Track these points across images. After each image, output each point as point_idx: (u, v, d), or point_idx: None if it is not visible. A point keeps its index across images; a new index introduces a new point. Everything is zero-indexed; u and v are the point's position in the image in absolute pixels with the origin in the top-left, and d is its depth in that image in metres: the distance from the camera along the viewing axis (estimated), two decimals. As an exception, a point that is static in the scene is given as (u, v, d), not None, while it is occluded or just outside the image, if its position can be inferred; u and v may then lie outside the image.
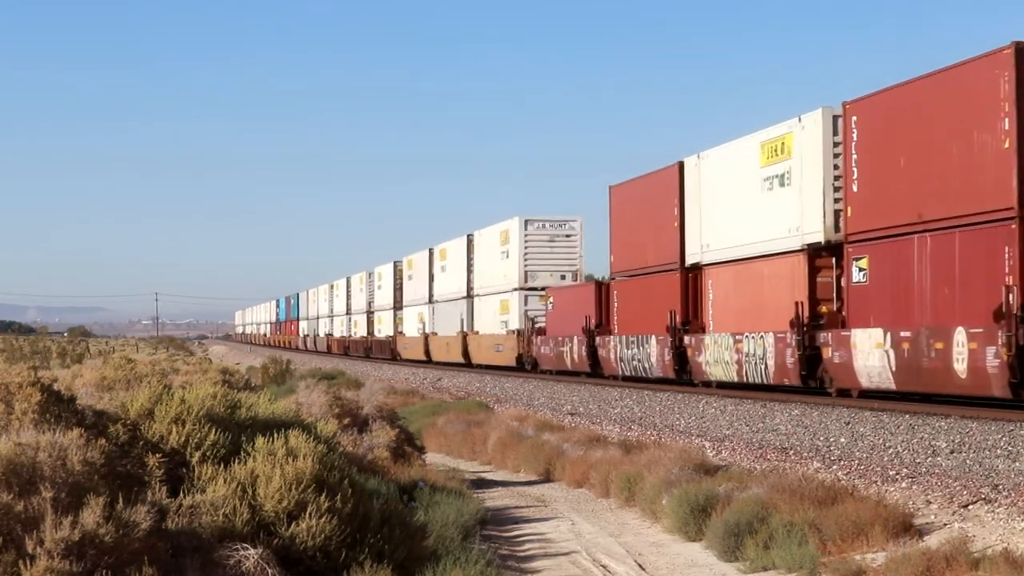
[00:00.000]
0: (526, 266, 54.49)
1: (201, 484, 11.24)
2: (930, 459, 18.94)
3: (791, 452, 21.50)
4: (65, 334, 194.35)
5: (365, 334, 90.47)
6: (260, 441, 11.88)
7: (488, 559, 13.44)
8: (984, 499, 15.29)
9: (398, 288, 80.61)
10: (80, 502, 9.29)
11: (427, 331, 70.29)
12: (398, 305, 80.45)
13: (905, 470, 18.18)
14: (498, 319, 57.04)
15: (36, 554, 8.89)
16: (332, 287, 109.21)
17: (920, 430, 22.04)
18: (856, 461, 19.71)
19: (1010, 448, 18.86)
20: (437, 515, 15.67)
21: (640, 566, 15.15)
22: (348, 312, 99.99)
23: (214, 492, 10.96)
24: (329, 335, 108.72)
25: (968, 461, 18.27)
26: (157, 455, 11.22)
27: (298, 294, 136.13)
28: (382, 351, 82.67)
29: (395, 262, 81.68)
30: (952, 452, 19.31)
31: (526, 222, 54.69)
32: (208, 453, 11.83)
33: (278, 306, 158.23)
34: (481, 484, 23.02)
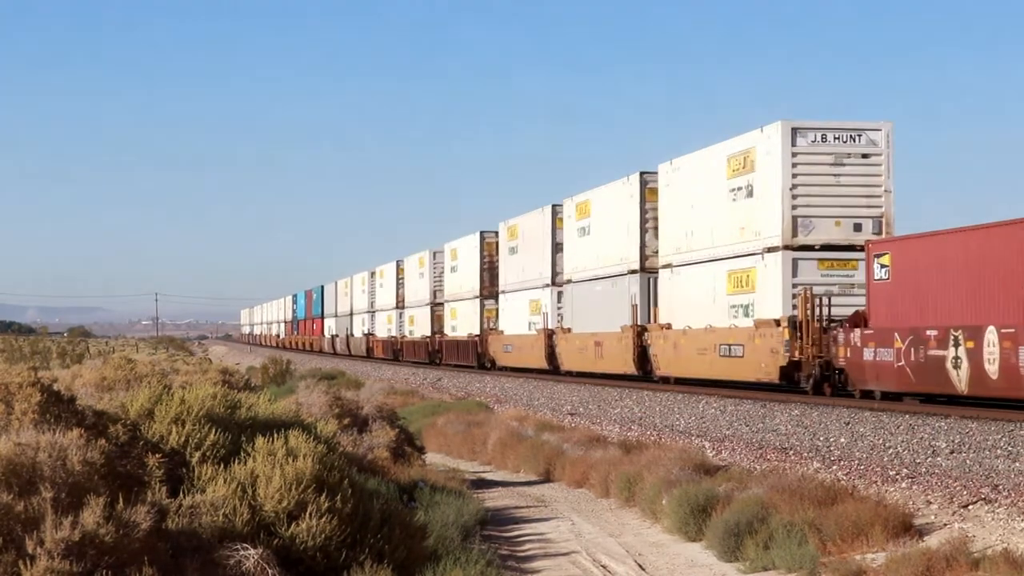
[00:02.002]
0: (795, 209, 31.44)
1: (201, 484, 11.24)
2: (930, 459, 18.95)
3: (791, 452, 21.50)
4: (65, 334, 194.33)
5: (429, 333, 69.09)
6: (260, 441, 11.89)
7: (488, 559, 13.45)
8: (984, 499, 15.29)
9: (488, 268, 58.99)
10: (80, 502, 9.29)
11: (550, 326, 48.33)
12: (488, 292, 58.69)
13: (905, 470, 18.18)
14: (723, 303, 34.16)
15: (36, 554, 8.89)
16: (374, 275, 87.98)
17: (920, 430, 22.04)
18: (856, 461, 19.71)
19: (1010, 448, 18.87)
20: (437, 515, 15.68)
21: (640, 566, 15.15)
22: (399, 305, 78.64)
23: (214, 492, 10.96)
24: (370, 335, 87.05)
25: (968, 461, 18.27)
26: (157, 455, 11.22)
27: (322, 287, 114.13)
28: (463, 356, 60.98)
29: (482, 232, 59.81)
30: (952, 452, 19.32)
31: (795, 131, 31.66)
32: (208, 453, 11.83)
33: (295, 302, 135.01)
34: (481, 484, 23.03)
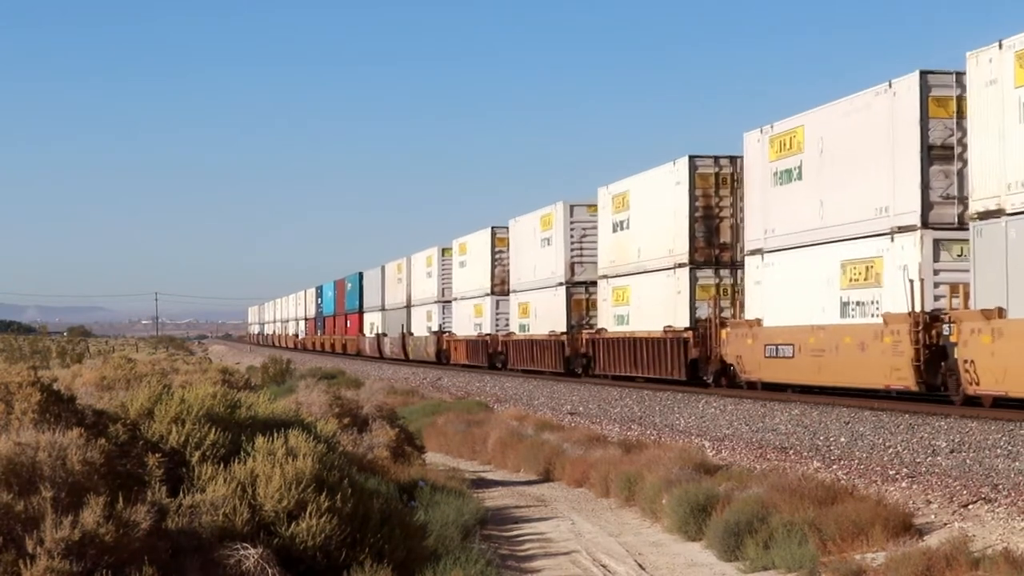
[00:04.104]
0: None
1: (201, 484, 11.24)
2: (930, 459, 18.96)
3: (791, 452, 21.52)
4: (65, 334, 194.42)
5: (564, 327, 46.84)
6: (260, 441, 11.89)
7: (488, 559, 13.44)
8: (984, 499, 15.30)
9: (703, 217, 37.03)
10: (80, 502, 9.29)
11: (925, 307, 26.18)
12: (704, 257, 36.96)
13: (905, 470, 18.19)
14: None
15: (36, 554, 8.90)
16: (447, 252, 67.38)
17: (920, 430, 22.05)
18: (856, 461, 19.73)
19: (1010, 448, 18.88)
20: (437, 515, 15.68)
21: (640, 566, 15.15)
22: (498, 290, 56.95)
23: (214, 492, 10.96)
24: (443, 332, 66.40)
25: (968, 461, 18.29)
26: (157, 455, 11.22)
27: (360, 274, 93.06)
28: (650, 363, 38.72)
29: (692, 158, 37.12)
30: (952, 452, 19.33)
31: None
32: (208, 453, 11.83)
33: (320, 296, 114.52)
34: (481, 484, 23.03)
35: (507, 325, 55.56)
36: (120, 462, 10.42)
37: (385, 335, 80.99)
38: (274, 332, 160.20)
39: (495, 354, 56.19)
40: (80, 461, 9.58)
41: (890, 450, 20.35)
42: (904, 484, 17.17)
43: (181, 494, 10.92)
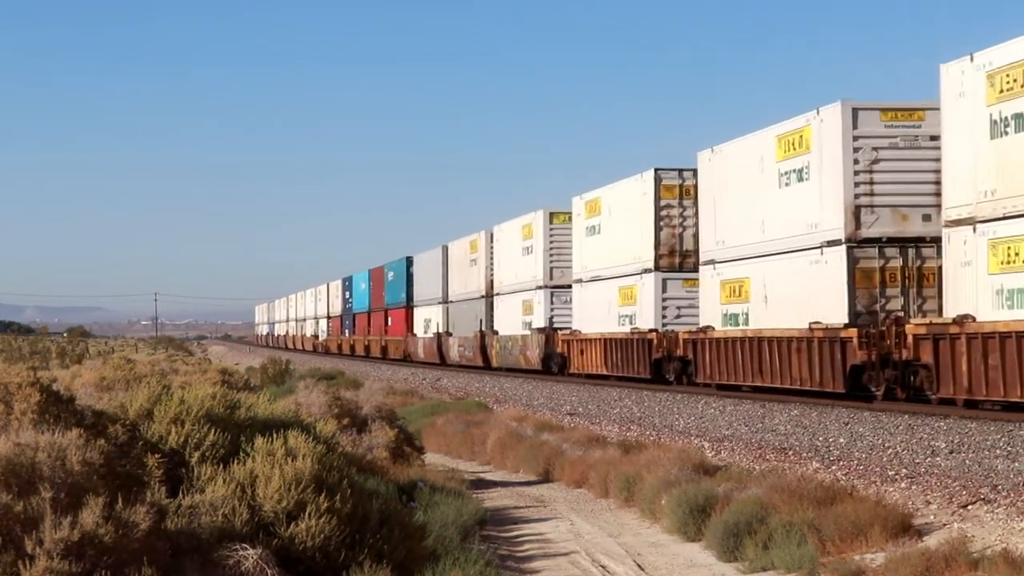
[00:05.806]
0: None
1: (200, 484, 11.25)
2: (929, 459, 18.97)
3: (790, 452, 21.52)
4: (64, 334, 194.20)
5: (844, 319, 27.91)
6: (259, 441, 11.90)
7: (487, 559, 13.46)
8: (983, 499, 15.31)
9: None
10: (79, 502, 9.29)
11: None
12: None
13: (904, 470, 18.20)
14: None
15: (35, 554, 8.90)
16: (557, 218, 50.03)
17: (919, 430, 22.06)
18: (855, 461, 19.73)
19: (1009, 448, 18.89)
20: (436, 515, 15.69)
21: (639, 566, 15.16)
22: (664, 264, 38.56)
23: (213, 492, 10.97)
24: (557, 329, 48.14)
25: (967, 461, 18.29)
26: (156, 455, 11.23)
27: (407, 259, 74.11)
28: None
29: None
30: (951, 452, 19.34)
31: None
32: (207, 453, 11.84)
33: (347, 288, 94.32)
34: (480, 484, 23.04)
35: (679, 316, 38.07)
36: (119, 463, 10.42)
37: (450, 334, 63.43)
38: (287, 332, 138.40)
39: (668, 359, 37.69)
40: (79, 462, 9.58)
41: (889, 451, 20.36)
42: (903, 485, 17.18)
43: (180, 495, 10.92)
